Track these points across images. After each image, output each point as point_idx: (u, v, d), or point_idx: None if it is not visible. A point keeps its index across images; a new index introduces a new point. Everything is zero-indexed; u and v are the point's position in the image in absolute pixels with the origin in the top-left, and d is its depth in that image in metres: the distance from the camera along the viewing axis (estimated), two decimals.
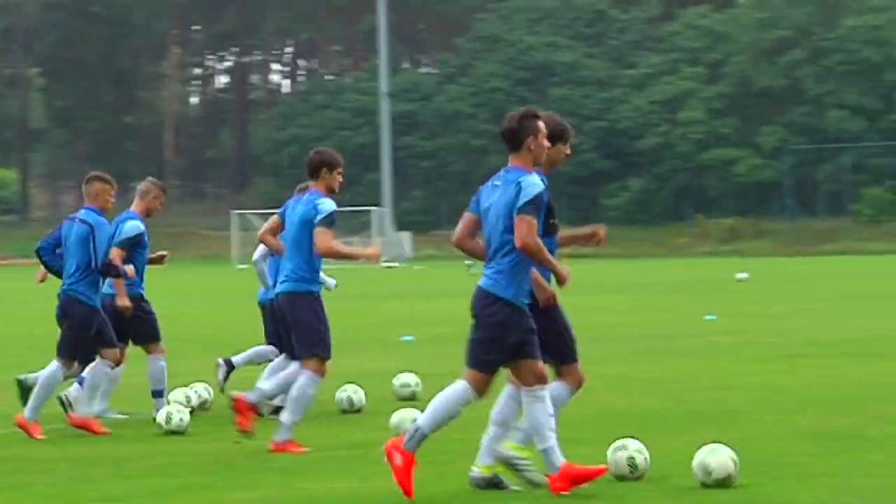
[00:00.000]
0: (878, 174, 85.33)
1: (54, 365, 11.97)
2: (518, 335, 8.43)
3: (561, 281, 8.63)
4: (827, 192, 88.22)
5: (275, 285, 11.56)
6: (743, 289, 37.07)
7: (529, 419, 8.51)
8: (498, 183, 8.54)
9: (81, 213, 12.13)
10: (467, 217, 8.76)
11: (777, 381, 13.38)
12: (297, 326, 10.68)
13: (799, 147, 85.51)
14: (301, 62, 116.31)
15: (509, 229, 8.41)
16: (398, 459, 8.33)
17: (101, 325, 12.00)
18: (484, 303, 8.46)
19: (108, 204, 12.08)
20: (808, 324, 23.52)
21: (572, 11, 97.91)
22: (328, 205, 10.54)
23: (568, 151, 9.01)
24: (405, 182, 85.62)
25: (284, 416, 10.66)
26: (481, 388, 8.56)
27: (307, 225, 10.55)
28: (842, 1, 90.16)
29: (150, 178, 13.18)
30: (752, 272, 43.09)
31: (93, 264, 11.94)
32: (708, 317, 25.35)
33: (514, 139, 8.56)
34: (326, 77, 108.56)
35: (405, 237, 76.90)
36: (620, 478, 8.86)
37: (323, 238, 10.47)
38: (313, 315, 10.63)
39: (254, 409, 10.89)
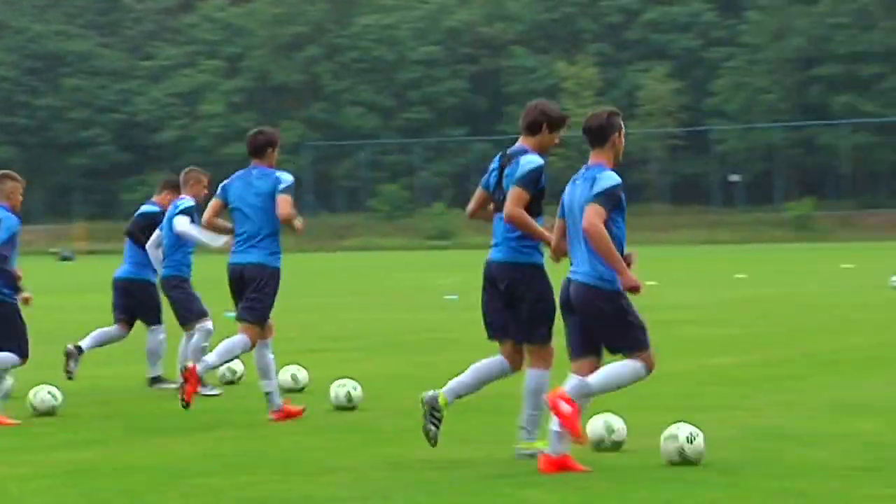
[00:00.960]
0: (394, 171, 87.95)
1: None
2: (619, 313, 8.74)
3: (627, 283, 8.73)
4: (345, 188, 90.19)
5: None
6: None
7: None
8: (579, 181, 8.84)
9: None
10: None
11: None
12: (260, 295, 11.17)
13: (318, 143, 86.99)
14: None
15: None
16: (565, 408, 8.51)
17: None
18: (585, 297, 8.73)
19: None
20: (324, 319, 23.89)
21: None
22: (289, 176, 11.26)
23: (557, 140, 9.37)
24: None
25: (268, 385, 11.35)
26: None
27: (272, 197, 11.12)
28: None
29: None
30: None
31: None
32: (227, 314, 25.26)
33: (601, 135, 8.87)
34: None
35: None
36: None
37: (285, 204, 11.06)
38: (275, 288, 11.25)
39: (200, 380, 10.80)
